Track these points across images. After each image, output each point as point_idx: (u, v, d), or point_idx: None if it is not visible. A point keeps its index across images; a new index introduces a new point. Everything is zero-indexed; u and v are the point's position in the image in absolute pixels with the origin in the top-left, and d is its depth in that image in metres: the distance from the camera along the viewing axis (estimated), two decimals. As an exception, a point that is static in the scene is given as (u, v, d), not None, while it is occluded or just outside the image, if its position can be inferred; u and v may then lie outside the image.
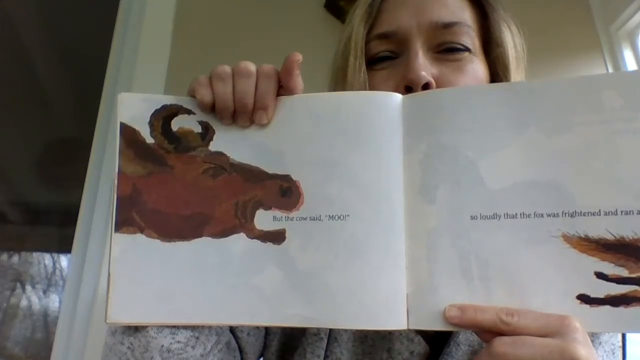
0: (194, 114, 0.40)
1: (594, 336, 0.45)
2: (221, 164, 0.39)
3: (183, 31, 1.23)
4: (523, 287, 0.34)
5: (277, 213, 0.38)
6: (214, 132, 0.39)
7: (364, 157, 0.37)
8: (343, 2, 1.24)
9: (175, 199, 0.39)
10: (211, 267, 0.38)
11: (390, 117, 0.38)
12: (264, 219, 0.38)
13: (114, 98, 1.16)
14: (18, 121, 1.70)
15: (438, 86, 0.46)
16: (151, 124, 0.39)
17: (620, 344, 0.48)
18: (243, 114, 0.39)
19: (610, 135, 0.34)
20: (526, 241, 0.34)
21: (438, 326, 0.35)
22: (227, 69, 0.39)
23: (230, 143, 0.39)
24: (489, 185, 0.35)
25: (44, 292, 1.63)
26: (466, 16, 0.49)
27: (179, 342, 0.38)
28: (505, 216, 0.35)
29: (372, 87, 0.49)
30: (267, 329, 0.51)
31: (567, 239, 0.34)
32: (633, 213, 0.33)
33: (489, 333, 0.33)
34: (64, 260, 1.65)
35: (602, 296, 0.33)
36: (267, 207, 0.38)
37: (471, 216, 0.35)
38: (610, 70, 1.28)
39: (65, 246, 1.33)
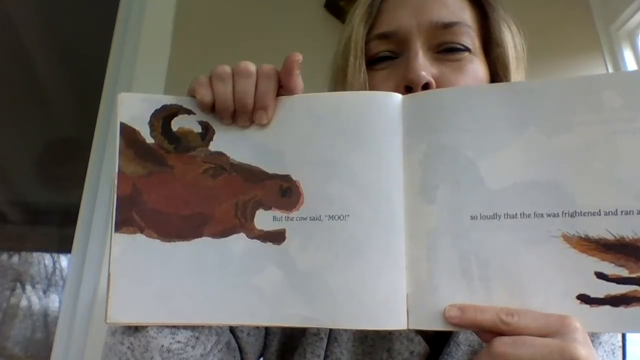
0: (194, 114, 0.40)
1: (594, 336, 0.45)
2: (221, 164, 0.39)
3: (183, 31, 1.23)
4: (523, 287, 0.34)
5: (277, 213, 0.38)
6: (214, 132, 0.39)
7: (364, 157, 0.37)
8: (343, 2, 1.24)
9: (175, 199, 0.39)
10: (211, 267, 0.38)
11: (390, 117, 0.38)
12: (264, 219, 0.38)
13: (114, 98, 1.16)
14: (18, 121, 1.70)
15: (438, 86, 0.46)
16: (151, 124, 0.39)
17: (620, 344, 0.48)
18: (243, 114, 0.39)
19: (610, 135, 0.34)
20: (526, 241, 0.34)
21: (438, 326, 0.35)
22: (227, 69, 0.39)
23: (230, 143, 0.39)
24: (489, 185, 0.35)
25: (44, 292, 1.63)
26: (466, 16, 0.49)
27: (179, 342, 0.38)
28: (505, 216, 0.35)
29: (372, 87, 0.49)
30: (267, 329, 0.51)
31: (567, 239, 0.34)
32: (633, 213, 0.33)
33: (489, 333, 0.33)
34: (64, 260, 1.65)
35: (602, 296, 0.33)
36: (267, 207, 0.38)
37: (471, 216, 0.35)
38: (610, 70, 1.28)
39: (65, 246, 1.33)
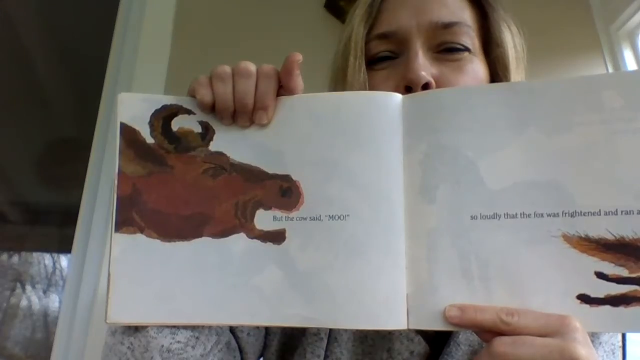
0: (194, 114, 0.40)
1: (594, 336, 0.45)
2: (221, 164, 0.39)
3: (183, 31, 1.23)
4: (523, 287, 0.34)
5: (277, 213, 0.38)
6: (214, 132, 0.39)
7: (364, 157, 0.37)
8: (343, 2, 1.24)
9: (175, 199, 0.39)
10: (211, 267, 0.38)
11: (390, 117, 0.38)
12: (264, 219, 0.38)
13: (114, 98, 1.16)
14: (18, 121, 1.70)
15: (438, 86, 0.46)
16: (151, 124, 0.39)
17: (620, 344, 0.48)
18: (243, 114, 0.39)
19: (610, 135, 0.34)
20: (526, 241, 0.34)
21: (438, 326, 0.35)
22: (227, 69, 0.39)
23: (230, 143, 0.39)
24: (489, 185, 0.35)
25: (44, 292, 1.63)
26: (466, 16, 0.49)
27: (179, 342, 0.38)
28: (506, 216, 0.35)
29: (372, 87, 0.49)
30: (267, 328, 0.51)
31: (567, 238, 0.34)
32: (633, 213, 0.33)
33: (489, 333, 0.33)
34: (64, 260, 1.65)
35: (602, 296, 0.33)
36: (267, 207, 0.38)
37: (471, 216, 0.35)
38: (610, 70, 1.27)
39: (65, 246, 1.33)
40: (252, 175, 0.39)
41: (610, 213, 0.33)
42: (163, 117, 0.39)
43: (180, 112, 0.40)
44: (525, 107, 0.36)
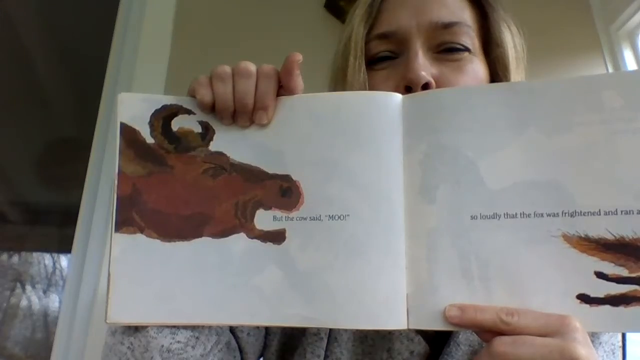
0: (194, 114, 0.40)
1: (594, 336, 0.45)
2: (221, 164, 0.39)
3: (183, 31, 1.23)
4: (523, 287, 0.34)
5: (277, 213, 0.38)
6: (214, 132, 0.39)
7: (364, 157, 0.37)
8: (343, 2, 1.24)
9: (175, 199, 0.39)
10: (211, 267, 0.38)
11: (390, 117, 0.38)
12: (264, 219, 0.38)
13: (114, 98, 1.16)
14: (18, 121, 1.70)
15: (438, 86, 0.46)
16: (151, 124, 0.39)
17: (620, 344, 0.48)
18: (243, 114, 0.39)
19: (610, 135, 0.34)
20: (526, 241, 0.34)
21: (438, 326, 0.35)
22: (227, 69, 0.39)
23: (230, 143, 0.39)
24: (489, 185, 0.35)
25: (44, 292, 1.63)
26: (466, 16, 0.49)
27: (179, 342, 0.38)
28: (505, 216, 0.35)
29: (372, 87, 0.49)
30: (267, 328, 0.51)
31: (567, 238, 0.34)
32: (633, 213, 0.33)
33: (489, 333, 0.33)
34: (64, 260, 1.65)
35: (602, 296, 0.33)
36: (267, 207, 0.38)
37: (471, 216, 0.35)
38: (610, 70, 1.27)
39: (65, 246, 1.33)
40: (252, 175, 0.39)
41: (610, 213, 0.33)
42: (163, 117, 0.40)
43: (180, 112, 0.40)
44: (525, 107, 0.36)
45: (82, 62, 1.57)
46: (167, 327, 0.38)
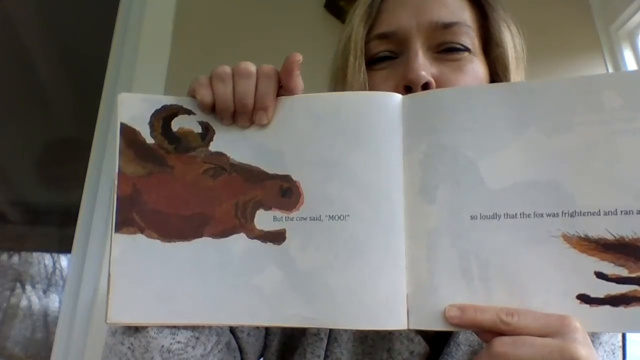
0: (194, 114, 0.40)
1: (594, 336, 0.45)
2: (221, 164, 0.39)
3: (183, 31, 1.23)
4: (523, 287, 0.34)
5: (277, 213, 0.38)
6: (214, 133, 0.39)
7: (364, 157, 0.37)
8: (343, 2, 1.24)
9: (176, 199, 0.39)
10: (211, 267, 0.38)
11: (390, 117, 0.38)
12: (264, 219, 0.38)
13: (114, 98, 1.16)
14: (18, 121, 1.70)
15: (438, 86, 0.46)
16: (151, 124, 0.39)
17: (620, 344, 0.48)
18: (243, 114, 0.39)
19: (610, 135, 0.34)
20: (526, 241, 0.34)
21: (438, 326, 0.35)
22: (227, 69, 0.39)
23: (230, 143, 0.39)
24: (489, 185, 0.35)
25: (44, 292, 1.63)
26: (466, 16, 0.49)
27: (179, 342, 0.38)
28: (505, 216, 0.35)
29: (371, 87, 0.49)
30: (267, 329, 0.51)
31: (567, 238, 0.34)
32: (633, 213, 0.33)
33: (489, 333, 0.33)
34: (64, 260, 1.65)
35: (602, 296, 0.33)
36: (267, 207, 0.38)
37: (471, 216, 0.35)
38: (610, 70, 1.27)
39: (65, 246, 1.33)
40: (252, 175, 0.39)
41: (610, 213, 0.33)
42: (163, 118, 0.40)
43: (180, 112, 0.40)
44: (525, 107, 0.36)
45: (82, 62, 1.57)
46: (168, 327, 0.38)
